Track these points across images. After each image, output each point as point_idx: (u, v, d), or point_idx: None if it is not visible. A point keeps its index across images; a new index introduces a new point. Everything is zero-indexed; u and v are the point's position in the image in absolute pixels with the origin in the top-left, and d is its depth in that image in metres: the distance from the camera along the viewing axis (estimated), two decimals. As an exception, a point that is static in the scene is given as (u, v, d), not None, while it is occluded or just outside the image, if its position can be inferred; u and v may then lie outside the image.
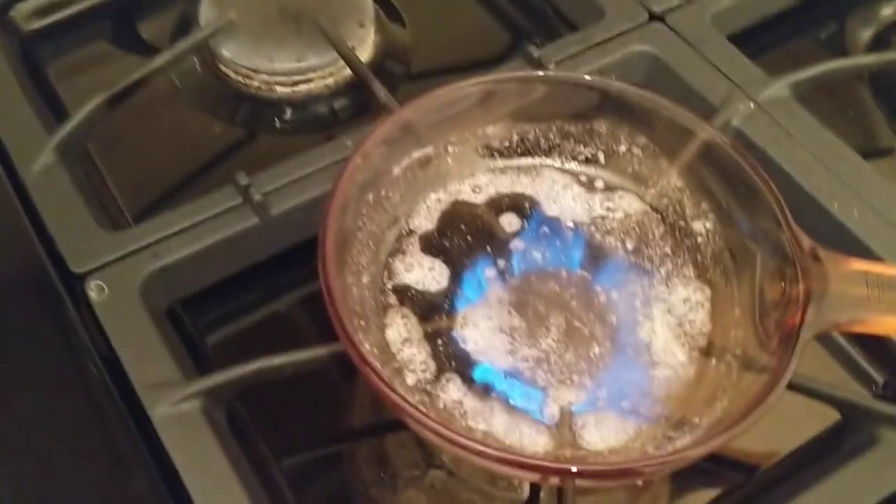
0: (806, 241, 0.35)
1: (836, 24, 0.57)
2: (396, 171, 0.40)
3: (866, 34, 0.57)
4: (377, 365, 0.32)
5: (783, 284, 0.36)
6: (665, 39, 0.50)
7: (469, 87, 0.40)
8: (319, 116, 0.50)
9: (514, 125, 0.42)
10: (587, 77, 0.40)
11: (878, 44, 0.57)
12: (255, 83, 0.49)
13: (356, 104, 0.50)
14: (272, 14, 0.50)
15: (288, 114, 0.50)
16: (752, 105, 0.47)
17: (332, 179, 0.36)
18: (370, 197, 0.38)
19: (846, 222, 0.43)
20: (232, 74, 0.50)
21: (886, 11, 0.58)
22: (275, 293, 0.43)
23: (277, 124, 0.49)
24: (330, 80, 0.50)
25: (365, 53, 0.51)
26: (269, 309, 0.43)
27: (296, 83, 0.49)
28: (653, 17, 0.51)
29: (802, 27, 0.56)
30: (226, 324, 0.42)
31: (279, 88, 0.49)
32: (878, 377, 0.42)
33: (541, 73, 0.43)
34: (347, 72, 0.50)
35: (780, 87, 0.47)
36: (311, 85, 0.50)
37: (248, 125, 0.50)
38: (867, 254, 0.42)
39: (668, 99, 0.48)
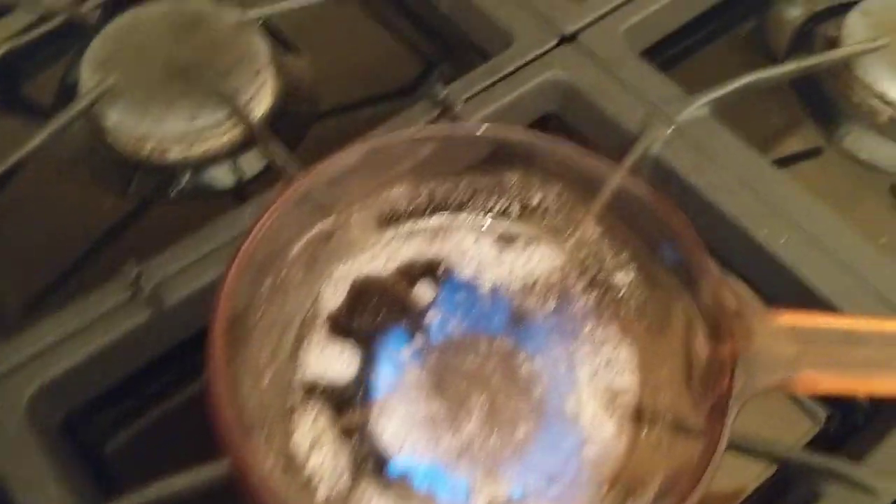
0: (730, 297, 0.33)
1: (755, 23, 0.55)
2: (297, 247, 0.37)
3: (788, 29, 0.55)
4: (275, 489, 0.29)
5: (710, 342, 0.34)
6: (577, 63, 0.47)
7: (363, 150, 0.37)
8: (221, 178, 0.47)
9: (419, 183, 0.39)
10: (484, 129, 0.38)
11: (800, 39, 0.55)
12: (146, 150, 0.46)
13: (261, 158, 0.47)
14: (158, 72, 0.47)
15: (185, 179, 0.46)
16: (670, 129, 0.44)
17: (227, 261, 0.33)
18: (269, 280, 0.36)
19: (776, 250, 0.41)
20: (121, 142, 0.46)
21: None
22: (180, 386, 0.40)
23: (173, 193, 0.46)
24: (226, 138, 0.46)
25: (265, 101, 0.48)
26: (173, 404, 0.40)
27: (190, 145, 0.46)
28: (564, 39, 0.48)
29: (721, 30, 0.54)
30: (127, 426, 0.39)
31: (173, 153, 0.46)
32: (822, 412, 0.40)
33: (435, 129, 0.40)
34: (257, 115, 0.47)
35: (698, 107, 0.45)
36: (208, 144, 0.46)
37: (142, 196, 0.46)
38: (797, 283, 0.40)
39: (583, 132, 0.47)
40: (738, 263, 0.43)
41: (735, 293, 0.33)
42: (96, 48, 0.47)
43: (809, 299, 0.40)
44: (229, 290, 0.33)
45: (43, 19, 0.49)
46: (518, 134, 0.38)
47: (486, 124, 0.39)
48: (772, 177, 0.44)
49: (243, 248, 0.34)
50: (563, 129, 0.48)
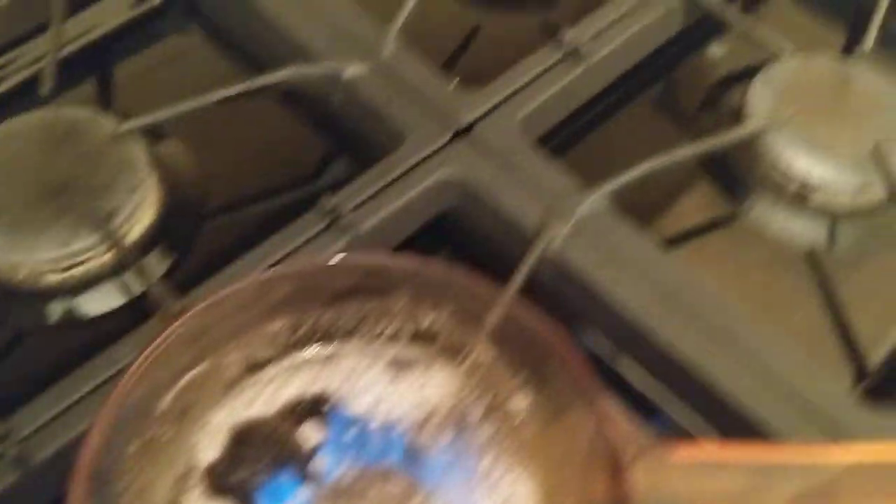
0: (621, 430, 0.32)
1: (662, 86, 0.54)
2: (167, 399, 0.34)
3: (696, 95, 0.54)
4: None
5: (604, 477, 0.32)
6: (472, 158, 0.46)
7: (233, 292, 0.35)
8: (100, 302, 0.44)
9: (300, 314, 0.37)
10: (342, 259, 0.36)
11: (707, 104, 0.54)
12: (20, 276, 0.43)
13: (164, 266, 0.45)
14: (31, 191, 0.44)
15: (63, 305, 0.44)
16: (568, 226, 0.43)
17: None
18: (136, 440, 0.33)
19: (679, 346, 0.40)
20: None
21: (716, 67, 0.55)
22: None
23: (51, 320, 0.43)
24: (103, 261, 0.44)
25: (145, 216, 0.45)
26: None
27: (66, 270, 0.43)
28: (458, 132, 0.47)
29: (619, 104, 0.53)
30: None
31: (48, 278, 0.43)
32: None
33: (288, 267, 0.38)
34: (133, 236, 0.44)
35: (597, 199, 0.44)
36: (88, 266, 0.44)
37: (16, 326, 0.43)
38: (701, 379, 0.39)
39: (481, 230, 0.45)
40: (644, 362, 0.42)
41: (624, 427, 0.31)
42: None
43: (714, 399, 0.39)
44: (87, 458, 0.31)
45: None
46: (387, 260, 0.36)
47: (343, 255, 0.37)
48: (673, 269, 0.42)
49: (103, 411, 0.32)
50: (460, 227, 0.46)
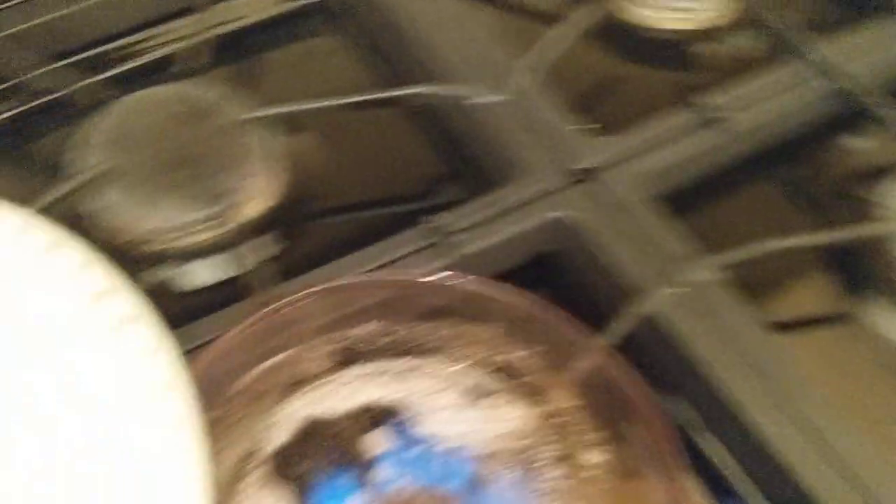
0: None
1: (796, 167, 0.52)
2: (245, 380, 0.35)
3: (830, 182, 0.52)
4: None
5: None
6: (588, 205, 0.45)
7: (328, 288, 0.35)
8: (200, 273, 0.45)
9: (389, 323, 0.37)
10: (449, 279, 0.35)
11: (840, 194, 0.52)
12: (127, 238, 0.44)
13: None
14: (156, 160, 0.46)
15: (161, 273, 0.45)
16: (676, 289, 0.41)
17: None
18: (204, 417, 0.33)
19: (767, 434, 0.38)
20: (101, 228, 0.45)
21: (856, 158, 0.53)
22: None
23: (145, 286, 0.44)
24: (215, 234, 0.45)
25: (261, 202, 0.46)
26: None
27: (173, 238, 0.44)
28: (576, 176, 0.46)
29: (748, 179, 0.51)
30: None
31: (153, 244, 0.44)
32: None
33: (397, 275, 0.37)
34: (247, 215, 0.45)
35: (710, 269, 0.42)
36: (194, 239, 0.45)
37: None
38: (785, 473, 0.37)
39: (581, 276, 0.44)
40: (728, 441, 0.40)
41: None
42: (96, 128, 0.46)
43: (794, 496, 0.37)
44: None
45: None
46: (486, 287, 0.35)
47: (445, 274, 0.37)
48: (776, 355, 0.40)
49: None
50: (562, 270, 0.45)
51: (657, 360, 0.41)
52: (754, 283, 0.44)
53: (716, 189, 0.49)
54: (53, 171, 0.47)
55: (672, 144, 0.47)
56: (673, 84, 0.54)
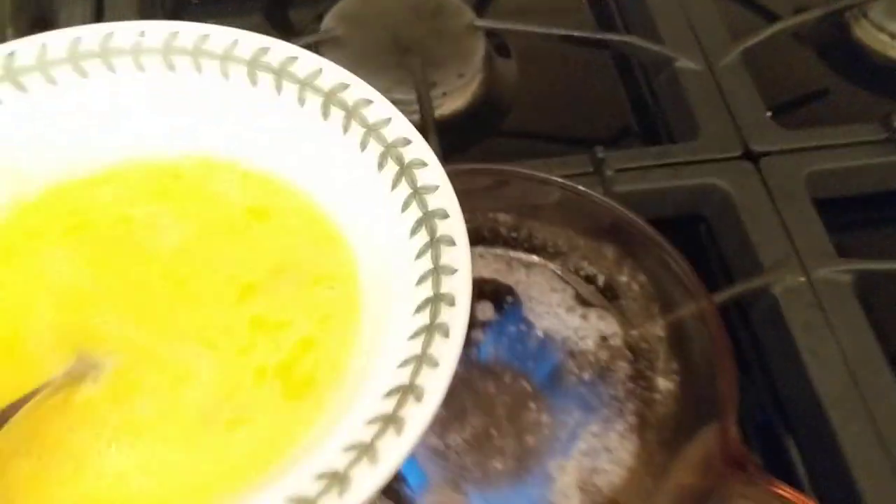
0: (736, 446, 0.33)
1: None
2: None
3: None
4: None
5: (697, 478, 0.34)
6: (747, 182, 0.47)
7: (486, 172, 0.40)
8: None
9: (526, 220, 0.42)
10: (600, 197, 0.40)
11: None
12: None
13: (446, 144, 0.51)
14: (384, 40, 0.53)
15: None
16: (801, 279, 0.44)
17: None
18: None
19: (840, 435, 0.40)
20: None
21: None
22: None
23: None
24: (415, 118, 0.51)
25: (458, 101, 0.52)
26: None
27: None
28: (747, 154, 0.48)
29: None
30: None
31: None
32: None
33: (557, 178, 0.41)
34: (438, 112, 0.51)
35: (840, 271, 0.44)
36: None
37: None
38: (848, 480, 0.39)
39: (719, 244, 0.47)
40: (802, 437, 0.42)
41: (747, 455, 0.33)
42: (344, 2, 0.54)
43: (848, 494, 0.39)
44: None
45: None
46: (633, 219, 0.39)
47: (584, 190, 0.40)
48: (878, 369, 0.41)
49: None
50: (700, 234, 0.48)
51: (760, 343, 0.44)
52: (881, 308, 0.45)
53: (874, 208, 0.50)
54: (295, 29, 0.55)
55: (845, 153, 0.48)
56: (872, 105, 0.54)
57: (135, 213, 0.28)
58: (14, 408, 0.21)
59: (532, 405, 0.38)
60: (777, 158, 0.48)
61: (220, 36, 0.30)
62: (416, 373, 0.22)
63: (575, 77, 0.56)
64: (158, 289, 0.26)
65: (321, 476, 0.20)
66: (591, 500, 0.36)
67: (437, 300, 0.24)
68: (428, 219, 0.26)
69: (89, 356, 0.24)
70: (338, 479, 0.20)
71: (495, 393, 0.38)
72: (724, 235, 0.47)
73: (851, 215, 0.49)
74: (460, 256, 0.25)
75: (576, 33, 0.53)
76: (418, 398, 0.22)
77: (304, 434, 0.23)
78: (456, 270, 0.24)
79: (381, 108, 0.29)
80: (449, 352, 0.23)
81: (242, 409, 0.24)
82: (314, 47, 0.52)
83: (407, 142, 0.28)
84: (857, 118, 0.50)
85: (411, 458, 0.36)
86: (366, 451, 0.21)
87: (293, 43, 0.50)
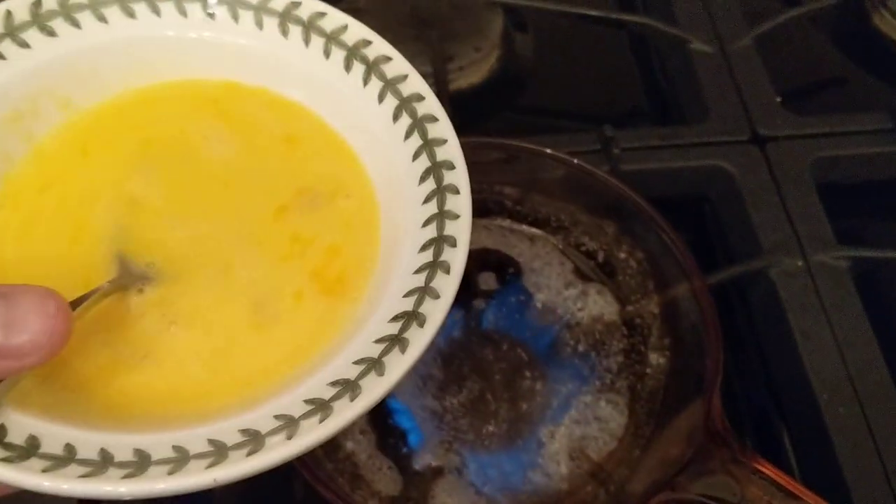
0: (719, 421, 0.34)
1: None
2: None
3: None
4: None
5: (681, 449, 0.35)
6: (752, 165, 0.48)
7: (494, 146, 0.41)
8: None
9: (531, 194, 0.43)
10: (603, 175, 0.41)
11: None
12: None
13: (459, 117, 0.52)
14: (401, 14, 0.54)
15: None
16: (799, 263, 0.45)
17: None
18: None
19: (827, 414, 0.41)
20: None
21: None
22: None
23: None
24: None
25: (474, 75, 0.53)
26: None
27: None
28: (754, 138, 0.49)
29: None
30: None
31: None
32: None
33: (563, 155, 0.43)
34: (454, 86, 0.52)
35: (839, 257, 0.45)
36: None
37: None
38: (831, 457, 0.40)
39: (721, 223, 0.47)
40: (785, 414, 0.43)
41: (729, 429, 0.34)
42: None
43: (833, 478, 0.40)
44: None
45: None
46: (635, 198, 0.40)
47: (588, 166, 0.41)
48: (870, 356, 0.42)
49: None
50: (701, 214, 0.49)
51: (754, 321, 0.45)
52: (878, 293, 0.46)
53: (877, 195, 0.50)
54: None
55: (854, 141, 0.49)
56: (888, 95, 0.55)
57: (188, 128, 0.30)
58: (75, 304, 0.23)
59: (527, 373, 0.40)
60: (784, 143, 0.49)
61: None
62: (437, 253, 0.26)
63: (590, 55, 0.57)
64: (212, 198, 0.29)
65: (360, 361, 0.24)
66: (578, 466, 0.38)
67: (441, 216, 0.27)
68: (431, 150, 0.29)
69: (135, 266, 0.26)
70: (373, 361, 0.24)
71: (493, 360, 0.40)
72: (726, 217, 0.48)
73: (855, 203, 0.50)
74: (460, 176, 0.28)
75: (593, 12, 0.53)
76: (445, 271, 0.26)
77: (339, 329, 0.26)
78: (458, 191, 0.28)
79: (399, 64, 0.32)
80: (460, 230, 0.27)
81: (285, 306, 0.27)
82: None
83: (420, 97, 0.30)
84: (871, 108, 0.50)
85: (410, 419, 0.38)
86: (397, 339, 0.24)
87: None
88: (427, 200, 0.27)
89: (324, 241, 0.28)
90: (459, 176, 0.28)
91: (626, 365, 0.40)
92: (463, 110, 0.50)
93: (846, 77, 0.57)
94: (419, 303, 0.25)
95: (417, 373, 0.39)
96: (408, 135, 0.29)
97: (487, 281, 0.42)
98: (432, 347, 0.40)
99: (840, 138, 0.49)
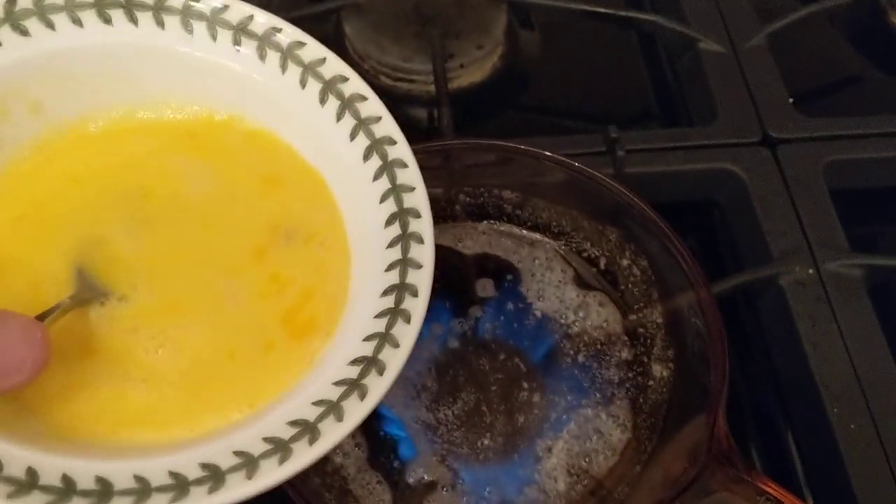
0: (723, 438, 0.33)
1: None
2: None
3: None
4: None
5: (683, 467, 0.34)
6: (763, 168, 0.46)
7: (492, 148, 0.40)
8: (417, 119, 0.51)
9: (531, 198, 0.41)
10: (606, 179, 0.39)
11: None
12: (365, 67, 0.52)
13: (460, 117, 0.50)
14: (406, 9, 0.52)
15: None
16: (810, 271, 0.43)
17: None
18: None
19: (838, 432, 0.39)
20: (349, 52, 0.52)
21: None
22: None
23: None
24: (429, 88, 0.51)
25: (476, 74, 0.52)
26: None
27: (398, 80, 0.51)
28: (764, 140, 0.47)
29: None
30: None
31: (383, 79, 0.52)
32: None
33: (563, 158, 0.41)
34: (455, 84, 0.51)
35: (852, 265, 0.43)
36: (412, 86, 0.52)
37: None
38: (840, 469, 0.38)
39: (730, 228, 0.46)
40: (793, 426, 0.42)
41: (734, 448, 0.32)
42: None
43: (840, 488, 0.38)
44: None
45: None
46: (639, 204, 0.38)
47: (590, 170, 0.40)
48: (883, 367, 0.41)
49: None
50: (709, 218, 0.47)
51: (762, 328, 0.44)
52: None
53: (892, 200, 0.49)
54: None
55: (868, 144, 0.47)
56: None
57: (166, 161, 0.31)
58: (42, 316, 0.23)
59: (525, 384, 0.38)
60: (795, 146, 0.47)
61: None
62: (399, 300, 0.27)
63: (598, 54, 0.55)
64: (191, 235, 0.30)
65: (320, 401, 0.25)
66: (577, 482, 0.36)
67: (404, 263, 0.28)
68: (398, 196, 0.29)
69: (94, 283, 0.27)
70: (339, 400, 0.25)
71: (489, 370, 0.39)
72: (735, 222, 0.46)
73: (870, 209, 0.48)
74: (424, 225, 0.29)
75: (601, 9, 0.52)
76: (406, 320, 0.27)
77: (302, 371, 0.27)
78: (420, 215, 0.28)
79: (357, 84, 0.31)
80: (421, 280, 0.27)
81: (260, 341, 0.28)
82: (336, 14, 0.52)
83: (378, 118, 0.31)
84: (887, 109, 0.49)
85: (402, 431, 0.37)
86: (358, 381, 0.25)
87: (316, 9, 0.50)
88: (391, 245, 0.28)
89: (298, 284, 0.29)
90: (424, 225, 0.29)
91: (627, 377, 0.39)
92: (464, 109, 0.49)
93: (860, 77, 0.55)
94: (378, 349, 0.26)
95: (410, 383, 0.38)
96: (376, 177, 0.30)
97: (485, 287, 0.41)
98: (426, 356, 0.39)
99: (854, 141, 0.48)
